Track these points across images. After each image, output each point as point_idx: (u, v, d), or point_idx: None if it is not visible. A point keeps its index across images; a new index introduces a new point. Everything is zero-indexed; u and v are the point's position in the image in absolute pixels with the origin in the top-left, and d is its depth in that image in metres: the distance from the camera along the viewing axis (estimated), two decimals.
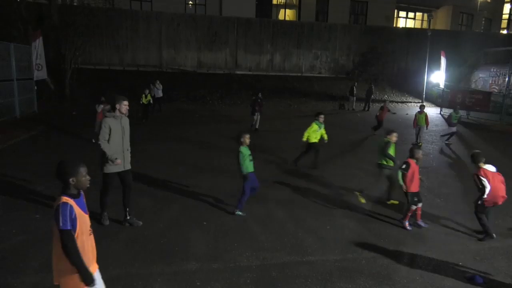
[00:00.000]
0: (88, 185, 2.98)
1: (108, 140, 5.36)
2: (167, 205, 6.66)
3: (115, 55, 25.86)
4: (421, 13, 38.34)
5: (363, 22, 33.28)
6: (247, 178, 6.12)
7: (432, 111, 24.03)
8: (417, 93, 28.38)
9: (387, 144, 7.09)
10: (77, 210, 2.82)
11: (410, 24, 38.14)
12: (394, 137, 7.17)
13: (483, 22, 40.70)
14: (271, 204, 6.92)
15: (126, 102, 5.50)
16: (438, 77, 25.79)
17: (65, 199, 2.79)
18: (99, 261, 3.16)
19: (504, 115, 20.38)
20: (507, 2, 46.75)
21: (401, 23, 37.93)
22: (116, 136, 5.44)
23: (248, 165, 6.11)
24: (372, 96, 23.98)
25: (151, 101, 16.66)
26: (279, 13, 33.01)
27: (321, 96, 25.67)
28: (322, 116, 9.41)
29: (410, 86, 29.02)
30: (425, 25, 35.65)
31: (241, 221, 6.10)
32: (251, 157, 6.18)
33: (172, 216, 6.20)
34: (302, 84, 27.11)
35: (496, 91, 24.97)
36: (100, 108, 10.93)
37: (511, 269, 4.93)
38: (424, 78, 27.14)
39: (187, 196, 7.15)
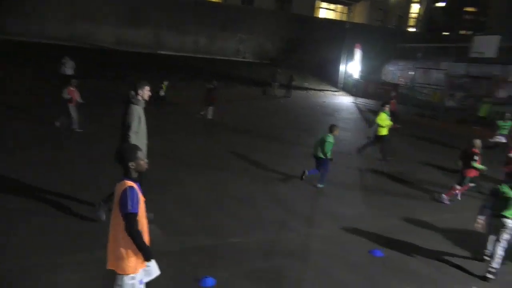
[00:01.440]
0: (147, 167, 3.03)
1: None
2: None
3: (20, 24, 23.12)
4: (341, 6, 40.33)
5: (288, 9, 34.04)
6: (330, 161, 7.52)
7: (347, 100, 25.72)
8: (333, 82, 30.08)
9: (328, 139, 7.46)
10: (139, 193, 2.90)
11: (331, 15, 39.91)
12: (337, 132, 7.68)
13: (395, 19, 44.20)
14: (192, 188, 6.90)
15: (148, 88, 5.06)
16: (353, 68, 27.57)
17: (130, 183, 2.87)
18: None
19: (410, 106, 22.55)
20: (415, 2, 51.22)
21: (323, 13, 39.52)
22: (143, 127, 4.99)
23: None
24: (293, 83, 24.83)
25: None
26: None
27: (246, 81, 25.89)
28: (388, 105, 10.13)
29: (327, 75, 30.60)
30: (344, 18, 37.59)
31: (161, 204, 5.98)
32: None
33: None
34: (227, 68, 27.04)
35: (402, 83, 27.53)
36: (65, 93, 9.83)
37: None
38: (340, 68, 28.83)
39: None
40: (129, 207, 2.78)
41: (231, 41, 29.34)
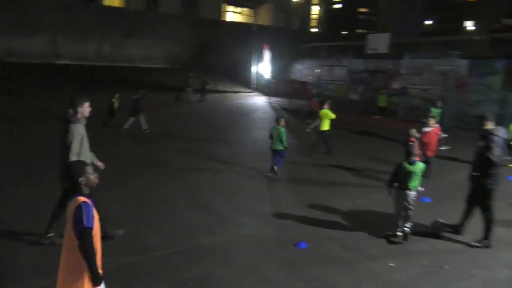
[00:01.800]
0: (98, 181, 2.98)
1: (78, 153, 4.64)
2: None
3: None
4: (247, 9, 41.31)
5: (195, 13, 33.83)
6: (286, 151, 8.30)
7: (261, 100, 26.35)
8: (247, 83, 30.62)
9: (282, 131, 8.10)
10: (94, 209, 2.82)
11: (238, 18, 40.67)
12: (283, 122, 8.27)
13: (297, 20, 46.58)
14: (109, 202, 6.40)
15: (88, 104, 4.84)
16: (263, 68, 28.38)
17: (83, 198, 2.81)
18: None
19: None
20: (314, 4, 54.53)
21: (230, 17, 40.08)
22: (85, 146, 4.78)
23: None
24: (208, 87, 24.72)
25: None
26: None
27: (158, 88, 25.08)
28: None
29: (240, 77, 31.07)
30: (251, 20, 38.51)
31: None
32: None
33: None
34: (136, 75, 25.88)
35: (310, 81, 29.07)
36: None
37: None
38: (252, 69, 29.48)
39: None
40: (85, 222, 2.70)
41: (138, 47, 28.21)
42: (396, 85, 22.97)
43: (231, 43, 31.65)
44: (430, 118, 8.35)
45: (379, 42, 20.85)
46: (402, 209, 5.37)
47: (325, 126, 10.54)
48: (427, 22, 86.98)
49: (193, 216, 6.13)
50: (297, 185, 7.92)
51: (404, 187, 5.31)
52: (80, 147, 4.73)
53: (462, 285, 4.36)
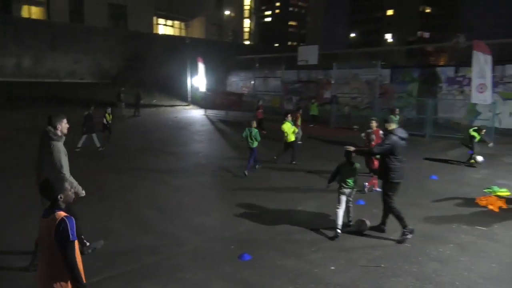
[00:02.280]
0: (73, 197, 3.10)
1: None
2: None
3: None
4: (179, 22, 41.02)
5: (124, 26, 32.83)
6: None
7: (198, 113, 26.16)
8: (183, 96, 30.25)
9: (255, 131, 9.58)
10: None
11: (169, 31, 40.20)
12: (254, 124, 9.79)
13: (230, 33, 47.21)
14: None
15: (66, 120, 4.83)
16: (198, 81, 28.25)
17: (63, 213, 2.87)
18: None
19: (254, 112, 24.24)
20: (246, 18, 55.77)
21: (161, 30, 39.48)
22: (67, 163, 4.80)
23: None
24: (142, 101, 24.01)
25: None
26: (21, 9, 28.56)
27: (87, 104, 23.79)
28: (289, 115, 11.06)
29: (175, 90, 30.62)
30: (183, 33, 38.31)
31: None
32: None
33: None
34: (62, 91, 24.33)
35: (246, 92, 29.52)
36: None
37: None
38: (187, 82, 29.21)
39: None
40: (71, 236, 2.79)
41: (63, 61, 26.60)
42: (327, 94, 24.15)
43: (164, 56, 31.12)
44: (372, 121, 8.85)
45: (309, 53, 21.82)
46: (345, 204, 6.07)
47: (291, 137, 10.81)
48: (352, 35, 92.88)
49: (131, 235, 5.87)
50: (239, 197, 7.93)
51: (346, 184, 5.98)
52: (67, 164, 4.80)
53: (398, 281, 4.64)
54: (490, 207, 7.20)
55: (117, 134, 16.36)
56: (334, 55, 25.88)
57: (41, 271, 2.94)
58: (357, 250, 5.45)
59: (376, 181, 8.24)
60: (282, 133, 10.80)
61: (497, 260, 5.15)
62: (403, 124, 12.76)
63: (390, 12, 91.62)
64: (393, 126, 5.96)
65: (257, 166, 10.18)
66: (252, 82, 28.11)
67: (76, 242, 2.92)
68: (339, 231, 5.84)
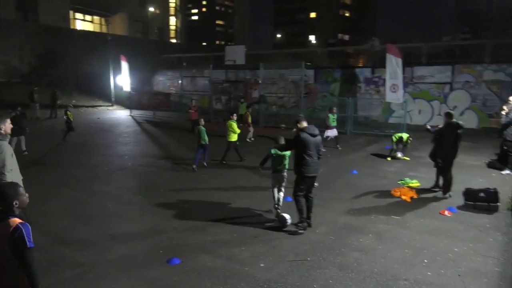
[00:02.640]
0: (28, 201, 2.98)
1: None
2: None
3: None
4: (98, 17, 38.75)
5: (35, 20, 30.15)
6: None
7: (123, 114, 25.00)
8: (106, 97, 28.67)
9: (203, 129, 10.14)
10: None
11: (89, 27, 37.82)
12: (202, 122, 10.39)
13: (155, 31, 45.80)
14: None
15: (9, 120, 4.93)
16: (123, 80, 26.97)
17: (18, 220, 2.78)
18: None
19: (182, 112, 23.84)
20: (172, 15, 54.55)
21: (79, 25, 36.99)
22: (15, 162, 4.89)
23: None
24: (59, 102, 22.29)
25: None
26: None
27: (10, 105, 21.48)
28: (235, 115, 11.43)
29: (98, 90, 28.90)
30: (104, 29, 36.27)
31: None
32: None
33: None
34: None
35: (174, 92, 28.87)
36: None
37: None
38: (110, 82, 27.74)
39: None
40: (27, 242, 2.71)
41: None
42: (255, 94, 24.55)
43: (84, 54, 29.19)
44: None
45: (236, 53, 21.98)
46: (277, 185, 6.81)
47: (233, 137, 10.89)
48: (278, 36, 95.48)
49: (50, 248, 5.43)
50: (168, 200, 7.74)
51: (278, 169, 6.78)
52: (12, 164, 4.81)
53: (323, 272, 4.88)
54: (403, 197, 7.89)
55: (31, 138, 15.07)
56: (261, 56, 26.38)
57: None
58: (285, 246, 5.62)
59: None
60: (227, 131, 10.94)
61: (410, 245, 5.66)
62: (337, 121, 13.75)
63: (313, 14, 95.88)
64: (304, 124, 6.25)
65: (205, 163, 10.50)
66: (180, 81, 27.56)
67: None
68: (277, 205, 6.75)
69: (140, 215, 6.92)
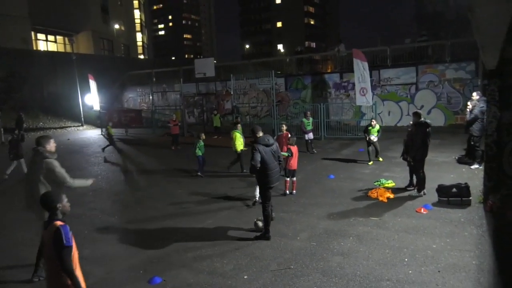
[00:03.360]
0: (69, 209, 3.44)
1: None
2: None
3: None
4: (62, 37, 37.88)
5: None
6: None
7: (93, 133, 24.40)
8: (75, 117, 27.96)
9: (200, 143, 10.81)
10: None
11: (52, 47, 36.92)
12: (203, 136, 10.98)
13: (122, 48, 45.20)
14: None
15: (53, 140, 5.45)
16: (91, 99, 26.37)
17: (60, 222, 3.20)
18: None
19: (155, 128, 23.51)
20: (138, 31, 54.07)
21: (42, 45, 36.04)
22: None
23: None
24: (25, 125, 21.55)
25: None
26: None
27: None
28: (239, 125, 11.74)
29: (66, 111, 28.16)
30: (68, 49, 35.48)
31: None
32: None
33: None
34: None
35: (145, 108, 28.46)
36: None
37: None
38: (78, 101, 27.07)
39: None
40: (64, 241, 3.04)
41: None
42: (227, 105, 24.56)
43: (49, 74, 28.45)
44: (282, 125, 10.27)
45: (205, 66, 21.94)
46: None
47: (239, 146, 11.03)
48: (246, 46, 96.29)
49: (22, 275, 5.16)
50: (145, 218, 7.55)
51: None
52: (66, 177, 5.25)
53: (307, 279, 4.86)
54: (380, 198, 8.01)
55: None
56: (230, 67, 26.42)
57: (47, 282, 3.26)
58: (267, 256, 5.58)
59: (288, 183, 8.73)
60: (233, 141, 11.04)
61: (389, 245, 5.74)
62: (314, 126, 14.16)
63: (279, 24, 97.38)
64: (260, 134, 6.31)
65: (199, 173, 10.95)
66: (151, 97, 27.22)
67: (74, 249, 3.21)
68: (255, 199, 7.84)
69: (117, 236, 6.71)
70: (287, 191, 8.67)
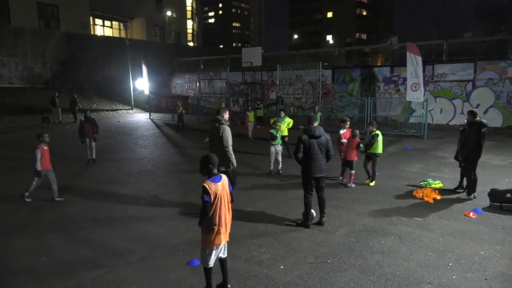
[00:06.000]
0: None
1: None
2: None
3: None
4: (117, 22, 39.49)
5: (56, 27, 30.94)
6: None
7: (142, 117, 25.36)
8: (126, 100, 29.18)
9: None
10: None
11: (108, 32, 38.57)
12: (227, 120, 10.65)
13: (173, 34, 46.32)
14: None
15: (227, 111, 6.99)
16: (142, 84, 27.40)
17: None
18: None
19: (200, 115, 24.02)
20: (189, 19, 55.13)
21: (99, 30, 37.77)
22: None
23: None
24: (79, 106, 22.80)
25: None
26: None
27: (17, 109, 22.14)
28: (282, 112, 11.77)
29: (117, 94, 29.46)
30: (123, 34, 36.94)
31: None
32: None
33: None
34: None
35: (192, 95, 29.12)
36: None
37: None
38: (129, 86, 28.21)
39: None
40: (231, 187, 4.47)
41: None
42: (272, 95, 24.53)
43: (104, 59, 29.82)
44: (346, 121, 9.13)
45: (252, 55, 22.02)
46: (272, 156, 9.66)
47: (284, 132, 11.12)
48: (294, 37, 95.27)
49: (71, 249, 5.53)
50: (187, 202, 7.79)
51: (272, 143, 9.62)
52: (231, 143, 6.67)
53: (344, 275, 4.80)
54: (426, 198, 7.70)
55: (56, 141, 15.45)
56: (277, 57, 26.29)
57: (229, 216, 4.37)
58: (304, 249, 5.56)
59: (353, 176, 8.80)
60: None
61: (433, 248, 5.52)
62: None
63: (329, 14, 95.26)
64: (314, 124, 6.29)
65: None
66: (198, 84, 27.81)
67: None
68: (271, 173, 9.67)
69: (160, 217, 6.98)
70: (344, 180, 8.99)
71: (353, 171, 8.77)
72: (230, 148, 6.54)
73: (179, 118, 19.73)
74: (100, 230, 6.34)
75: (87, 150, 11.38)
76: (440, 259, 5.19)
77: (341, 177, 9.09)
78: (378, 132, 8.72)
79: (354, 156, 8.70)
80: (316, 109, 14.04)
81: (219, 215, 4.20)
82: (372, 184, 8.83)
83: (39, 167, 7.47)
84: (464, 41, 21.74)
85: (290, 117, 13.12)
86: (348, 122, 9.21)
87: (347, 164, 8.82)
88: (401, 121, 18.27)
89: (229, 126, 6.71)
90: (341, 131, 9.09)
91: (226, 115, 6.76)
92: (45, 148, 7.68)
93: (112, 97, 29.26)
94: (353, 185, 8.71)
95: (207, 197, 4.09)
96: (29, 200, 7.71)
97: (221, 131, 6.51)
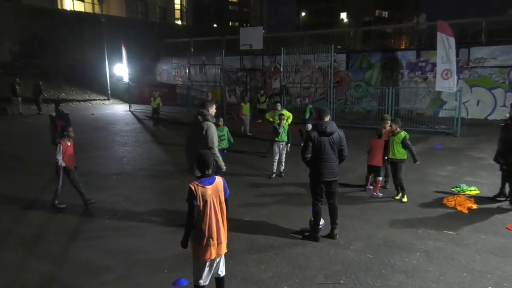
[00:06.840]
0: None
1: None
2: None
3: None
4: None
5: (17, 1, 30.72)
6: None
7: (121, 109, 25.35)
8: (101, 89, 29.14)
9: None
10: None
11: (79, 7, 38.34)
12: (221, 122, 9.79)
13: (158, 11, 46.27)
14: None
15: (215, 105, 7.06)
16: (121, 70, 27.34)
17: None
18: None
19: (190, 107, 23.98)
20: None
21: (67, 5, 37.55)
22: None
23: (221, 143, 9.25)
24: (44, 95, 22.71)
25: None
26: None
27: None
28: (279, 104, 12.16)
29: (91, 81, 29.38)
30: (97, 10, 36.79)
31: None
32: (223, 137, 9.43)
33: None
34: None
35: (180, 83, 29.11)
36: None
37: None
38: (106, 72, 28.15)
39: None
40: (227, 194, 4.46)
41: None
42: (275, 84, 24.51)
43: (74, 38, 29.67)
44: (387, 120, 9.01)
45: (252, 37, 22.00)
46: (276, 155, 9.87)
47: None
48: (302, 14, 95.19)
49: (30, 268, 5.51)
50: (173, 210, 7.77)
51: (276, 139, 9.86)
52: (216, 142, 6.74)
53: None
54: (459, 208, 7.68)
55: (16, 137, 15.46)
56: (282, 39, 26.28)
57: (223, 222, 4.36)
58: (312, 266, 5.55)
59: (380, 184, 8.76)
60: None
61: (468, 267, 5.50)
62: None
63: None
64: (326, 118, 6.25)
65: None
66: (187, 70, 27.74)
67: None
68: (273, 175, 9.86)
69: (141, 228, 6.96)
70: (369, 188, 8.99)
71: (380, 178, 8.69)
72: (216, 149, 6.59)
73: (154, 111, 19.04)
74: (70, 244, 6.32)
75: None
76: (477, 281, 5.17)
77: (370, 186, 8.95)
78: (405, 133, 8.38)
79: (380, 161, 8.56)
80: (307, 100, 14.40)
81: (208, 224, 4.17)
82: (405, 199, 8.25)
83: (61, 161, 7.46)
84: (507, 19, 21.69)
85: (296, 110, 13.11)
86: (389, 121, 8.91)
87: (372, 169, 8.74)
88: (429, 115, 18.24)
89: (223, 120, 6.73)
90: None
91: (213, 110, 6.79)
92: (69, 144, 7.70)
93: (84, 85, 29.17)
94: (380, 194, 8.63)
95: (193, 200, 4.11)
96: (63, 206, 7.79)
97: (205, 128, 6.51)
